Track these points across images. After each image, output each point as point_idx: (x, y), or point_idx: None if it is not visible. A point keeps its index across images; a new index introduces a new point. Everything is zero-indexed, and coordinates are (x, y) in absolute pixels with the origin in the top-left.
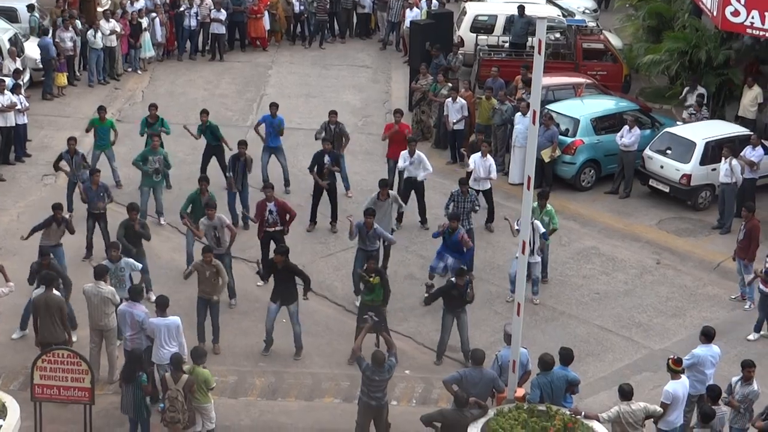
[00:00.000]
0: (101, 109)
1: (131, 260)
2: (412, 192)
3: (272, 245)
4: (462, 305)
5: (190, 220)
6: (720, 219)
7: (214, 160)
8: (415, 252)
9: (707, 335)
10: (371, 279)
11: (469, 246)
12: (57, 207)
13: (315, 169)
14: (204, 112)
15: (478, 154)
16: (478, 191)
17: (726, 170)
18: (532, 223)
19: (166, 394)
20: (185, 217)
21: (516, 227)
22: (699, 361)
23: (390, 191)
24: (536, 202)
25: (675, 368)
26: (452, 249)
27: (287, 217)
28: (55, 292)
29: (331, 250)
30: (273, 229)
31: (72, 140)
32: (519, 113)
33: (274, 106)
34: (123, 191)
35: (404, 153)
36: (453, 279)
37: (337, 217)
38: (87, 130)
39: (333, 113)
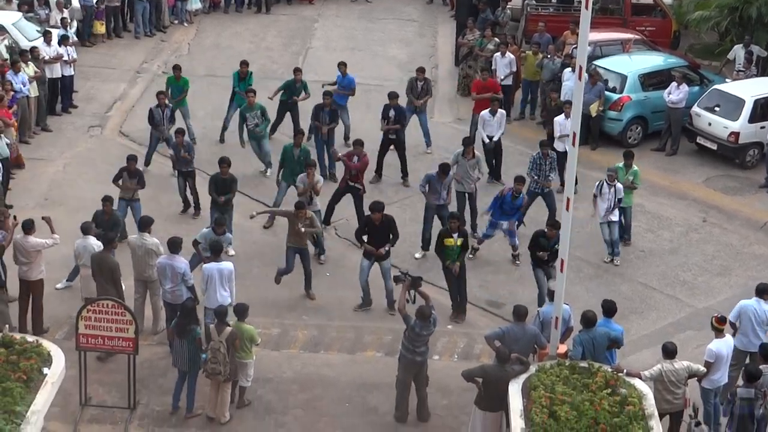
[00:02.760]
0: (176, 68)
1: (230, 235)
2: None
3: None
4: (552, 260)
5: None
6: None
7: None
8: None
9: (760, 291)
10: (454, 241)
11: (523, 210)
12: (131, 158)
13: (383, 121)
14: (298, 70)
15: (562, 116)
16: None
17: None
18: (614, 185)
19: (209, 344)
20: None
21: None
22: (743, 311)
23: (476, 152)
24: (622, 163)
25: (719, 327)
26: (508, 214)
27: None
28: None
29: (391, 200)
30: (354, 183)
31: (162, 94)
32: (568, 69)
33: (343, 65)
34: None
35: (485, 113)
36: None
37: (408, 172)
38: (166, 90)
39: (421, 70)
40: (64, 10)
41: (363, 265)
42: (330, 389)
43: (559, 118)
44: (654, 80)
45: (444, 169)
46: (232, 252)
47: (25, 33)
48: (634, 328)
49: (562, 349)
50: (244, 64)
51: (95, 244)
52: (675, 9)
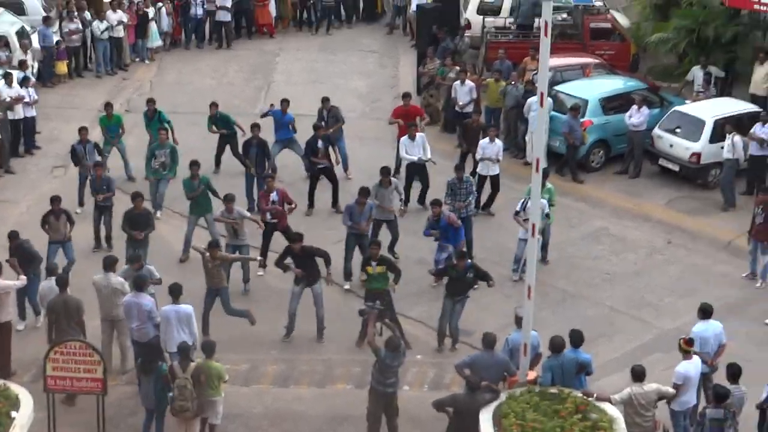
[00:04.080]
0: (108, 106)
1: (152, 267)
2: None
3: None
4: (464, 290)
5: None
6: (724, 196)
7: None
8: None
9: (704, 311)
10: (372, 269)
11: (456, 224)
12: (54, 199)
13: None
14: (213, 105)
15: (486, 139)
16: (485, 176)
17: (728, 146)
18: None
19: (174, 382)
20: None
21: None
22: (701, 338)
23: (392, 179)
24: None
25: (686, 348)
26: (448, 236)
27: (288, 206)
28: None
29: (341, 235)
30: (275, 220)
31: (83, 130)
32: (534, 100)
33: (285, 102)
34: (136, 184)
35: (404, 139)
36: (453, 261)
37: (338, 200)
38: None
39: (325, 99)
40: (28, 52)
41: (293, 291)
42: (301, 423)
43: (483, 142)
44: (615, 104)
45: (362, 192)
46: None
47: None
48: (603, 352)
49: (532, 375)
50: (151, 101)
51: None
52: (633, 32)
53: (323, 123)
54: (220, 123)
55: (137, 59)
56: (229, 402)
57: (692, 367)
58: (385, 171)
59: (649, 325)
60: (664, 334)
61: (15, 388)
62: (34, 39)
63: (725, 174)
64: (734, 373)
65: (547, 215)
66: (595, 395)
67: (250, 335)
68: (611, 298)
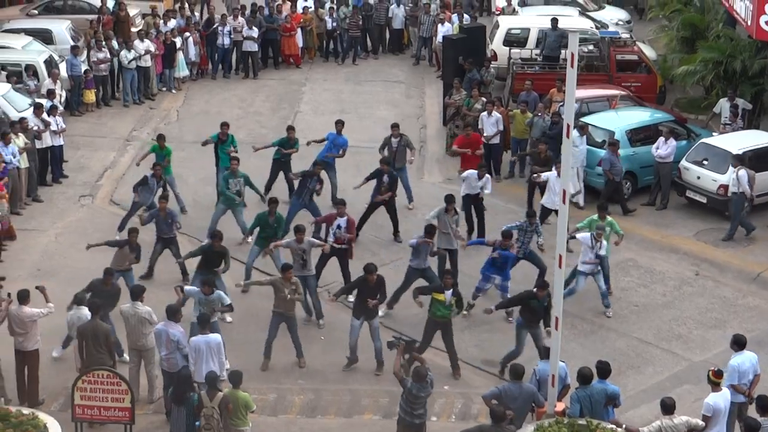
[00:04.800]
0: (160, 138)
1: (222, 293)
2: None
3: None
4: (538, 319)
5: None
6: (730, 228)
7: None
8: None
9: (739, 343)
10: (446, 297)
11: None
12: (132, 231)
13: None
14: (291, 129)
15: (554, 172)
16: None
17: (733, 180)
18: (600, 241)
19: (202, 412)
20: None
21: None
22: (740, 371)
23: (457, 209)
24: (596, 215)
25: (715, 380)
26: (499, 267)
27: (350, 238)
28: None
29: (383, 261)
30: (339, 245)
31: (158, 166)
32: (577, 134)
33: (339, 124)
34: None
35: (471, 172)
36: (534, 289)
37: (398, 230)
38: (145, 157)
39: (395, 126)
40: (57, 81)
41: (353, 324)
42: None
43: (551, 175)
44: (641, 135)
45: (428, 230)
46: (229, 319)
47: (15, 104)
48: (631, 384)
49: (560, 406)
50: (225, 125)
51: (88, 315)
52: (660, 64)
53: (394, 151)
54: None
55: (164, 89)
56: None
57: (721, 398)
58: (449, 199)
59: (678, 357)
60: (694, 366)
61: (43, 416)
62: (63, 68)
63: (734, 209)
64: (765, 405)
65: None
66: (624, 426)
67: (278, 364)
68: (640, 330)
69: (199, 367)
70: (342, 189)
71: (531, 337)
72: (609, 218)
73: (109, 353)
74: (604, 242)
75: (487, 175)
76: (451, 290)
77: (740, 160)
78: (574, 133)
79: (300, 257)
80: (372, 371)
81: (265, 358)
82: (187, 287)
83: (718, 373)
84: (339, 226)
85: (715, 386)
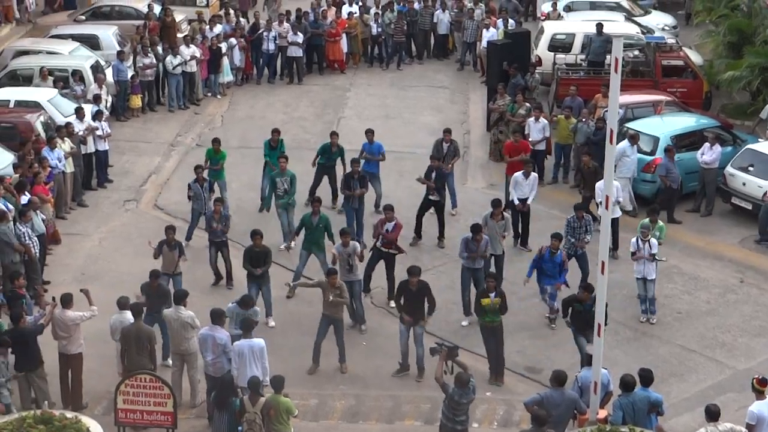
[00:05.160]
0: (215, 141)
1: (257, 309)
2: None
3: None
4: (587, 324)
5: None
6: (760, 231)
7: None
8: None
9: None
10: (490, 300)
11: (565, 267)
12: (169, 228)
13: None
14: (334, 134)
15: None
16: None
17: None
18: (648, 240)
19: (244, 417)
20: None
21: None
22: None
23: (505, 214)
24: (648, 219)
25: (760, 388)
26: (548, 273)
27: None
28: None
29: (426, 267)
30: (387, 249)
31: (199, 168)
32: (627, 144)
33: (370, 133)
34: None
35: (518, 175)
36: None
37: (444, 234)
38: (205, 163)
39: (447, 131)
40: (103, 86)
41: (401, 329)
42: None
43: (600, 184)
44: (686, 141)
45: (476, 229)
46: (272, 323)
47: (61, 109)
48: (674, 392)
49: (602, 414)
50: (276, 132)
51: (131, 318)
52: (706, 70)
53: (444, 156)
54: (336, 154)
55: (209, 94)
56: None
57: (766, 407)
58: (496, 203)
59: (722, 365)
60: (737, 375)
61: (86, 420)
62: (109, 73)
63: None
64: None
65: (653, 255)
66: None
67: (320, 370)
68: (683, 337)
69: (242, 372)
70: (386, 196)
71: (577, 344)
72: (660, 223)
73: (150, 357)
74: (653, 240)
75: (534, 174)
76: (494, 293)
77: None
78: (625, 143)
79: (346, 262)
80: (413, 377)
81: (313, 363)
82: (229, 305)
83: (763, 381)
84: (387, 230)
85: (760, 394)
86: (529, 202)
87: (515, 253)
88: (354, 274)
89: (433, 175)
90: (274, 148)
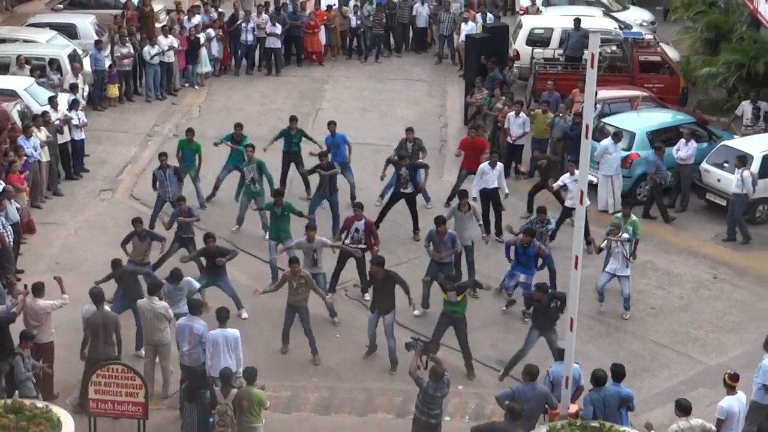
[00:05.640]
0: (189, 132)
1: (190, 279)
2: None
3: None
4: (551, 321)
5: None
6: (728, 230)
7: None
8: (479, 267)
9: None
10: (449, 297)
11: (544, 253)
12: (136, 221)
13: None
14: (293, 119)
15: (567, 174)
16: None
17: (737, 181)
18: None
19: (215, 408)
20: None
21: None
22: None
23: (471, 203)
24: (620, 213)
25: (731, 383)
26: (525, 265)
27: (372, 240)
28: (106, 308)
29: (400, 260)
30: (355, 246)
31: (163, 156)
32: (610, 142)
33: (332, 125)
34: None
35: (484, 165)
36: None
37: (419, 227)
38: (177, 154)
39: (409, 130)
40: (80, 75)
41: (370, 318)
42: None
43: (565, 177)
44: (662, 137)
45: (439, 221)
46: (245, 315)
47: (37, 98)
48: (646, 387)
49: (573, 408)
50: (238, 126)
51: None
52: (683, 66)
53: (408, 153)
54: (297, 138)
55: (187, 84)
56: (269, 429)
57: (736, 402)
58: (462, 194)
59: (694, 361)
60: (709, 370)
61: (57, 410)
62: (86, 63)
63: (735, 210)
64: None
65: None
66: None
67: (292, 361)
68: (656, 333)
69: (216, 362)
70: (361, 187)
71: (545, 340)
72: (633, 217)
73: (117, 342)
74: (624, 235)
75: (500, 163)
76: (454, 292)
77: (743, 161)
78: (608, 140)
79: (311, 257)
80: (386, 370)
81: (283, 343)
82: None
83: (734, 377)
84: (357, 230)
85: (731, 389)
86: (505, 192)
87: (492, 245)
88: (318, 267)
89: (403, 171)
90: (238, 143)
